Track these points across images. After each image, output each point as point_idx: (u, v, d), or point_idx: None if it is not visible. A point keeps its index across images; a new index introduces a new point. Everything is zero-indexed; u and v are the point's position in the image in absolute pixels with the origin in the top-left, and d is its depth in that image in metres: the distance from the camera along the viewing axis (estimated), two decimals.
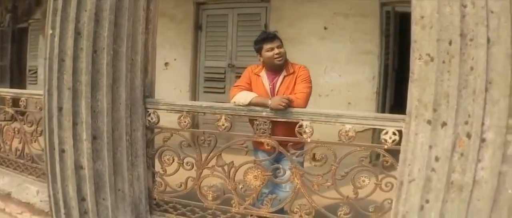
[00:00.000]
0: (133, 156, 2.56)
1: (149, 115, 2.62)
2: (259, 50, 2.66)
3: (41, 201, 2.88)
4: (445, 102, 1.89)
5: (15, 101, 3.20)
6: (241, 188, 2.52)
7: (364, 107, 4.47)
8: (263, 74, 2.66)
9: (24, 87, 6.71)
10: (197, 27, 5.47)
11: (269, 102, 2.35)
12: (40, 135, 2.94)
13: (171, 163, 2.63)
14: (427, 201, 1.95)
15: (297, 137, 2.35)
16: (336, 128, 2.32)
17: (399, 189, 2.12)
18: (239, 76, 5.19)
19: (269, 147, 2.42)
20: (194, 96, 5.63)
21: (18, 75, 7.29)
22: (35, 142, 3.03)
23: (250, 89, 2.59)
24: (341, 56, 4.68)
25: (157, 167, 2.68)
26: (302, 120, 2.36)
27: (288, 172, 2.44)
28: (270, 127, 2.40)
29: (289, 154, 2.40)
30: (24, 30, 7.12)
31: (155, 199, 2.70)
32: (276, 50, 2.58)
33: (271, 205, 2.47)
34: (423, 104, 1.98)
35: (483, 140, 1.80)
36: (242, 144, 2.51)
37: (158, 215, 2.71)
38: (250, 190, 2.51)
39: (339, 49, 4.68)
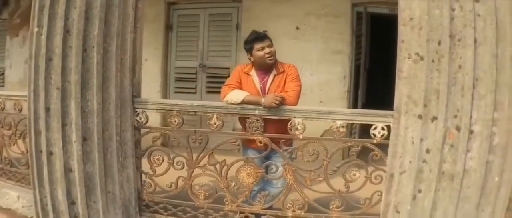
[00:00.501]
0: (123, 157, 2.49)
1: (138, 115, 2.56)
2: (249, 50, 2.68)
3: (23, 206, 2.72)
4: (435, 98, 2.02)
5: None
6: (234, 185, 2.53)
7: (336, 105, 4.60)
8: (253, 73, 2.68)
9: None
10: (168, 27, 5.37)
11: (262, 100, 2.38)
12: (20, 137, 2.78)
13: (161, 163, 2.59)
14: (420, 191, 2.07)
15: (288, 133, 2.40)
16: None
17: (389, 181, 2.24)
18: (211, 76, 5.25)
19: (261, 145, 2.45)
20: (165, 96, 5.51)
21: None
22: (14, 145, 2.85)
23: (241, 88, 2.60)
24: (313, 56, 4.79)
25: (146, 167, 2.63)
26: (294, 117, 2.41)
27: (280, 169, 2.49)
28: (263, 124, 2.43)
29: (281, 151, 2.44)
30: None
31: (144, 200, 2.64)
32: (267, 50, 2.62)
33: (264, 201, 2.50)
34: (412, 100, 2.10)
35: (471, 132, 1.95)
36: (235, 142, 2.53)
37: (147, 216, 2.65)
38: (243, 188, 2.53)
39: (311, 49, 4.79)
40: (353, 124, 4.08)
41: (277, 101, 2.35)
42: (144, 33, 5.40)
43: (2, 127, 2.89)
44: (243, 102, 2.43)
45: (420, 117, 2.07)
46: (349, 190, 2.42)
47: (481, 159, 1.94)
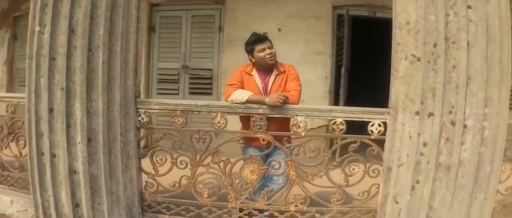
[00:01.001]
0: (126, 158, 2.46)
1: (140, 115, 2.53)
2: (251, 52, 2.73)
3: (18, 211, 2.61)
4: (431, 95, 2.16)
5: None
6: (238, 183, 2.57)
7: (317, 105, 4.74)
8: (255, 73, 2.74)
9: None
10: (151, 29, 5.30)
11: (267, 99, 2.44)
12: (13, 140, 2.66)
13: (164, 163, 2.58)
14: (418, 182, 2.21)
15: (287, 131, 2.46)
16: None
17: (387, 174, 2.37)
18: (194, 78, 5.23)
19: (265, 142, 2.50)
20: (147, 98, 5.43)
21: None
22: (6, 148, 2.72)
23: (243, 88, 2.64)
24: (295, 57, 4.85)
25: (149, 167, 2.60)
26: (297, 115, 2.49)
27: (283, 165, 2.55)
28: (266, 123, 2.49)
29: (284, 148, 2.51)
30: None
31: (146, 201, 2.62)
32: (268, 51, 2.69)
33: (267, 197, 2.56)
34: (409, 98, 2.24)
35: (465, 126, 2.10)
36: (239, 141, 2.57)
37: (150, 216, 2.62)
38: (246, 185, 2.58)
39: (292, 50, 4.86)
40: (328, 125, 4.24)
41: (281, 100, 2.41)
42: None
43: None
44: (247, 101, 2.47)
45: (417, 113, 2.21)
46: (348, 183, 2.53)
47: (474, 151, 2.11)
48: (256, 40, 2.72)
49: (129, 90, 2.43)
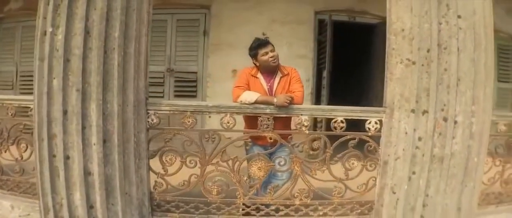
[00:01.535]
0: (138, 158, 2.45)
1: (149, 116, 2.53)
2: (254, 56, 2.81)
3: (20, 216, 2.50)
4: (425, 95, 2.35)
5: None
6: (246, 179, 2.64)
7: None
8: (260, 76, 2.82)
9: None
10: None
11: (275, 100, 2.53)
12: (13, 143, 2.56)
13: (173, 163, 2.59)
14: (414, 173, 2.39)
15: (290, 130, 2.60)
16: None
17: (383, 167, 2.54)
18: (179, 81, 5.21)
19: (271, 140, 2.59)
20: None
21: None
22: (5, 151, 2.60)
23: (249, 90, 2.72)
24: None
25: (158, 167, 2.60)
26: (302, 114, 2.60)
27: (288, 161, 2.65)
28: (273, 122, 2.58)
29: (290, 145, 2.62)
30: None
31: (156, 200, 2.61)
32: (270, 54, 2.78)
33: (273, 192, 2.65)
34: (404, 97, 2.42)
35: (455, 122, 2.30)
36: (247, 140, 2.64)
37: (159, 215, 2.62)
38: (254, 181, 2.65)
39: None
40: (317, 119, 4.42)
41: (288, 101, 2.51)
42: None
43: None
44: (256, 102, 2.55)
45: (413, 111, 2.39)
46: (348, 177, 2.67)
47: (463, 144, 2.31)
48: (259, 44, 2.81)
49: (140, 92, 2.43)
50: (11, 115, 2.55)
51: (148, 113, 2.52)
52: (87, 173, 2.24)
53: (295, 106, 2.60)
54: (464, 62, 2.28)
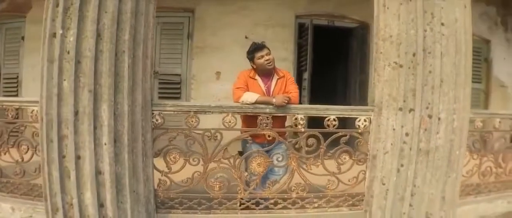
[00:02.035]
0: (145, 157, 2.47)
1: (154, 116, 2.56)
2: (252, 59, 2.92)
3: None
4: (412, 95, 2.55)
5: None
6: (246, 175, 2.72)
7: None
8: (258, 78, 2.93)
9: None
10: None
11: (274, 100, 2.64)
12: (13, 145, 2.49)
13: (177, 161, 2.63)
14: (402, 165, 2.58)
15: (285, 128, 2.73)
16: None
17: (372, 161, 2.72)
18: (163, 83, 5.19)
19: (270, 138, 2.69)
20: None
21: None
22: (5, 154, 2.52)
23: (248, 90, 2.81)
24: None
25: (162, 166, 2.63)
26: (298, 113, 2.73)
27: (285, 157, 2.77)
28: (271, 121, 2.69)
29: (287, 142, 2.73)
30: None
31: (160, 197, 2.64)
32: (266, 57, 2.90)
33: (272, 187, 2.75)
34: (392, 97, 2.61)
35: (439, 119, 2.51)
36: (246, 138, 2.73)
37: (163, 212, 2.65)
38: (253, 177, 2.74)
39: None
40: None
41: (286, 101, 2.63)
42: None
43: None
44: (256, 102, 2.65)
45: (400, 109, 2.58)
46: (340, 171, 2.82)
47: (446, 138, 2.53)
48: (256, 48, 2.92)
49: (147, 93, 2.45)
50: (12, 116, 2.48)
51: (153, 113, 2.55)
52: (98, 172, 2.24)
53: (292, 106, 2.72)
54: (446, 65, 2.49)
